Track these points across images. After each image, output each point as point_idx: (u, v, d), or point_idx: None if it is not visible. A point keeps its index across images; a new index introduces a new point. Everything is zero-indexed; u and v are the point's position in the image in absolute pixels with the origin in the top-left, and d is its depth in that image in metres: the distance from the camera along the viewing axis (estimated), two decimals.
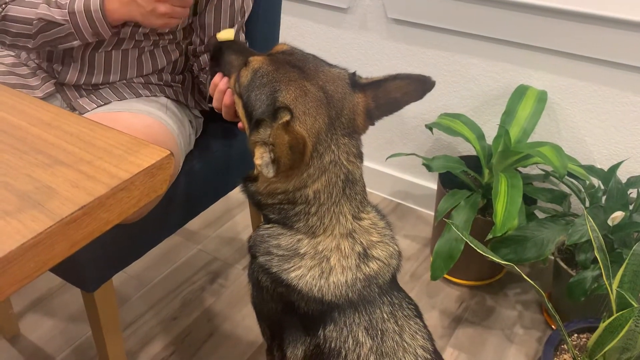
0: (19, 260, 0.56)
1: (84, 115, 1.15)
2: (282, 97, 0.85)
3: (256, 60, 0.90)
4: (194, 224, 1.94)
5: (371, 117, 0.94)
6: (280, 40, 1.47)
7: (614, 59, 1.50)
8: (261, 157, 0.83)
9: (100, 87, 1.23)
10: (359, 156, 0.91)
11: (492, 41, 1.67)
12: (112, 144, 0.71)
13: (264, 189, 0.89)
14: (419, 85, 0.91)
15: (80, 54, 1.19)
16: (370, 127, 2.20)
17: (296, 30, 2.04)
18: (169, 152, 0.69)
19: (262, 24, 1.40)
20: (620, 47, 1.47)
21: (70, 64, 1.21)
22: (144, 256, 1.26)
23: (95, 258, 1.09)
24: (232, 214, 2.03)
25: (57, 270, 1.14)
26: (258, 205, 0.93)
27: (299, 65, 0.88)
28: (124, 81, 1.23)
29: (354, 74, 0.93)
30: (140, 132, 1.09)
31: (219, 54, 1.00)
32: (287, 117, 0.82)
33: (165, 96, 1.27)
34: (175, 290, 1.73)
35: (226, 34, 1.02)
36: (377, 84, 0.91)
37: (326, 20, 1.96)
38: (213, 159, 1.33)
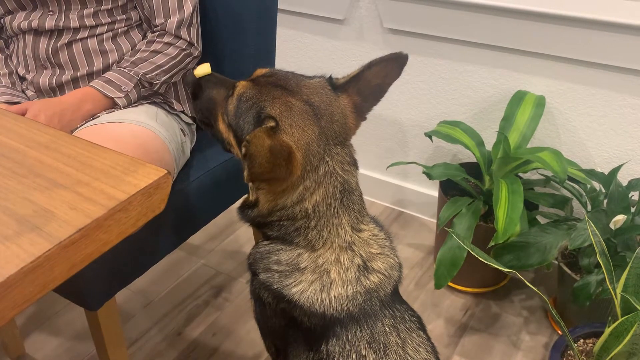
0: (18, 284, 0.57)
1: (74, 132, 1.17)
2: (267, 112, 0.85)
3: (239, 86, 0.91)
4: (196, 238, 1.95)
5: (361, 113, 0.94)
6: (277, 53, 1.48)
7: (610, 62, 1.50)
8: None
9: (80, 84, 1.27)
10: (354, 164, 0.91)
11: (489, 48, 1.68)
12: (109, 165, 0.71)
13: (266, 208, 0.89)
14: (395, 63, 0.92)
15: (45, 56, 1.25)
16: (370, 137, 2.20)
17: (293, 43, 2.05)
18: (166, 172, 0.69)
19: (257, 37, 1.40)
20: (616, 50, 1.47)
21: (38, 68, 1.27)
22: (148, 272, 1.27)
23: (97, 277, 1.09)
24: (234, 227, 2.03)
25: (60, 290, 1.14)
26: (257, 225, 0.94)
27: (281, 84, 0.89)
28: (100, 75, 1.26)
29: (330, 78, 0.93)
30: (129, 142, 1.10)
31: (199, 90, 0.99)
32: (271, 124, 0.82)
33: (151, 103, 1.28)
34: (179, 305, 1.73)
35: (203, 69, 0.99)
36: (356, 79, 0.92)
37: (323, 31, 1.97)
38: (212, 173, 1.33)
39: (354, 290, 0.86)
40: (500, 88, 1.72)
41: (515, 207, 1.39)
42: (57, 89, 1.27)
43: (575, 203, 1.59)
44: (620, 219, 1.32)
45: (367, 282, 0.87)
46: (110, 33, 1.27)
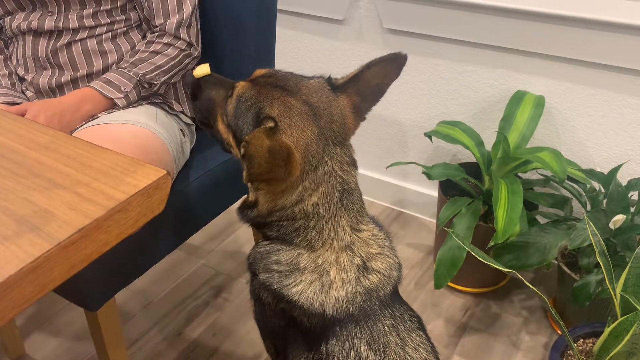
0: (18, 284, 0.57)
1: (74, 132, 1.17)
2: (266, 113, 0.85)
3: (239, 86, 0.91)
4: (196, 238, 1.95)
5: (360, 113, 0.94)
6: (277, 53, 1.48)
7: (609, 62, 1.50)
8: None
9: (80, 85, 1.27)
10: (353, 164, 0.91)
11: (488, 48, 1.68)
12: (109, 165, 0.71)
13: (265, 208, 0.89)
14: (394, 63, 0.92)
15: (44, 56, 1.25)
16: (370, 137, 2.20)
17: (292, 43, 2.05)
18: (165, 172, 0.69)
19: (257, 38, 1.40)
20: (616, 50, 1.47)
21: (37, 68, 1.28)
22: (148, 272, 1.27)
23: (97, 277, 1.09)
24: (234, 227, 2.03)
25: (59, 290, 1.14)
26: (257, 226, 0.93)
27: (280, 84, 0.89)
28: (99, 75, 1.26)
29: (329, 78, 0.93)
30: (129, 143, 1.10)
31: (198, 91, 0.99)
32: (270, 124, 0.82)
33: (151, 103, 1.28)
34: (179, 306, 1.73)
35: (202, 70, 0.99)
36: (355, 79, 0.92)
37: (322, 32, 1.97)
38: (211, 174, 1.33)
39: (354, 290, 0.86)
40: (499, 88, 1.72)
41: (515, 207, 1.39)
42: (57, 90, 1.27)
43: (575, 203, 1.59)
44: (619, 218, 1.32)
45: (367, 282, 0.87)
46: (110, 34, 1.27)
